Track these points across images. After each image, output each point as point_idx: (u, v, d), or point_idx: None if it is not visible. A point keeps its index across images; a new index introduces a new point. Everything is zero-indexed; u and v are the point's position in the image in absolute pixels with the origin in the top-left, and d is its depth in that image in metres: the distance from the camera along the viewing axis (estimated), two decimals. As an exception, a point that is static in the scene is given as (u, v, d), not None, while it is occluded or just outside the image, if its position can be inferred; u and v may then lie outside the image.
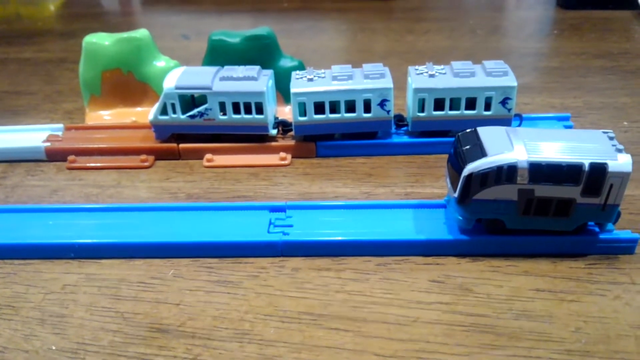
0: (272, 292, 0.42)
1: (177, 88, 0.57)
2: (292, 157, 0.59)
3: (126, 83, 0.65)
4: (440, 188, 0.54)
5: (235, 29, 0.66)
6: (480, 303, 0.40)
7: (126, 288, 0.43)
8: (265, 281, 0.43)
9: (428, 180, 0.55)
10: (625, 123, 0.64)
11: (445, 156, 0.47)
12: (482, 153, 0.42)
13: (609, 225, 0.44)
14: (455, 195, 0.43)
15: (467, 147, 0.43)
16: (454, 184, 0.44)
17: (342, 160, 0.59)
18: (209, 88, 0.57)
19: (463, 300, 0.41)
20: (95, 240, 0.46)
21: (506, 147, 0.41)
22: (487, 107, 0.57)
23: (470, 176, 0.41)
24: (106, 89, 0.66)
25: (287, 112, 0.64)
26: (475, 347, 0.37)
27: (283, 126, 0.61)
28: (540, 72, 0.81)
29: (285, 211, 0.49)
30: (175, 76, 0.58)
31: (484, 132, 0.44)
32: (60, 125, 0.64)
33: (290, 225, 0.47)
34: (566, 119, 0.63)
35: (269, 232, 0.47)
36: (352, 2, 1.22)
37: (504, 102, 0.57)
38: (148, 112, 0.63)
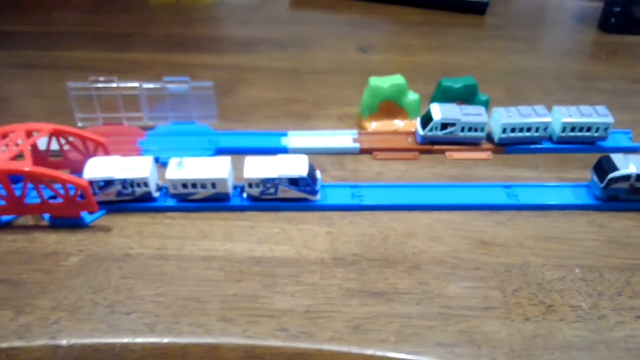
0: None
1: (442, 119, 1.07)
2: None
3: (391, 108, 1.14)
4: None
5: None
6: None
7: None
8: None
9: None
10: None
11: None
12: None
13: None
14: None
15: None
16: None
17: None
18: (459, 120, 1.07)
19: None
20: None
21: None
22: None
23: None
24: (379, 111, 1.14)
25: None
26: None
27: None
28: None
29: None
30: (437, 110, 1.08)
31: None
32: (355, 131, 1.13)
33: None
34: None
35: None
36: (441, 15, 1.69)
37: None
38: (403, 124, 1.13)
